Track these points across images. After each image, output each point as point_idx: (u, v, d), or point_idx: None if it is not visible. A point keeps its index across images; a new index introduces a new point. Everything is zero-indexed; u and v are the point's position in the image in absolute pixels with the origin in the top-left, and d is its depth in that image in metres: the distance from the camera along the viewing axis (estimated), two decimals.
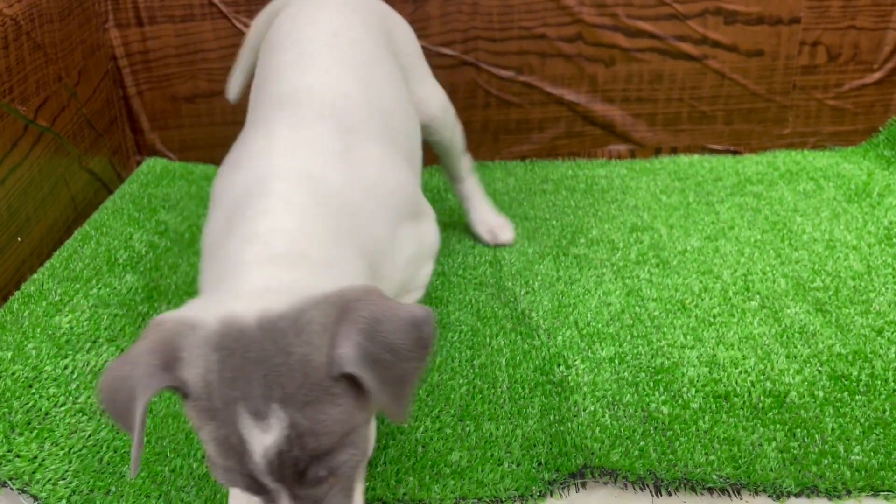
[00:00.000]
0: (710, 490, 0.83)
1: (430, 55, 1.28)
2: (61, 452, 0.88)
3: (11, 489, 0.84)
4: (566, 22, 1.58)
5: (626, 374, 0.98)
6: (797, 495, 0.82)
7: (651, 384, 0.96)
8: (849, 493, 0.82)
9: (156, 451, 0.89)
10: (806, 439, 0.87)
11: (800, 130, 1.68)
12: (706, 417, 0.91)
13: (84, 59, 1.46)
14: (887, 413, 0.91)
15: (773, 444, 0.87)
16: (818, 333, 1.05)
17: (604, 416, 0.91)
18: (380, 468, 0.85)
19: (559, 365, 1.01)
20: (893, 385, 0.95)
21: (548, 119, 1.66)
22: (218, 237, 0.74)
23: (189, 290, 1.19)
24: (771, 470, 0.84)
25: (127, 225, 1.35)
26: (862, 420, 0.90)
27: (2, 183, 1.17)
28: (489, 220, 1.34)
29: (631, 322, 1.09)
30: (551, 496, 0.84)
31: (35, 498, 0.83)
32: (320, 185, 0.75)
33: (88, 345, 1.04)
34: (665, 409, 0.92)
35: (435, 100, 1.18)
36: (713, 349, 1.02)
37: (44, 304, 1.09)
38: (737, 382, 0.96)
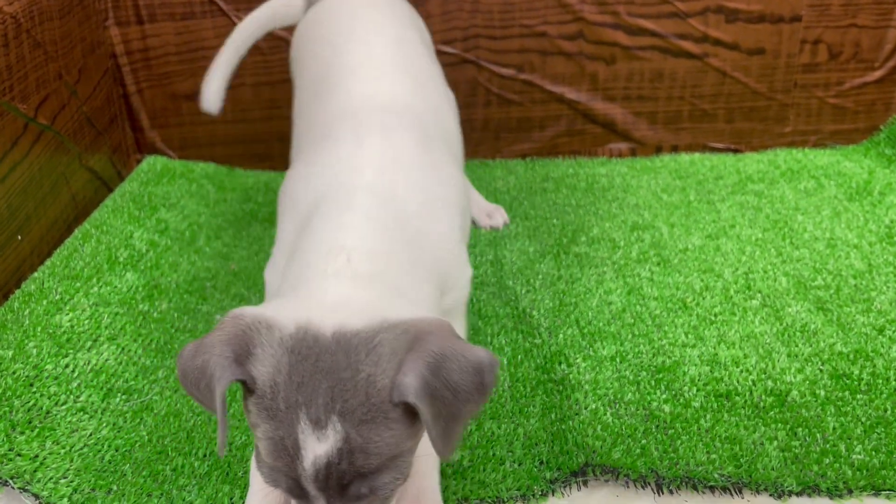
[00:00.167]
0: (712, 489, 0.83)
1: None
2: (62, 451, 0.88)
3: (12, 488, 0.83)
4: (567, 20, 1.58)
5: (627, 372, 0.98)
6: (798, 494, 0.82)
7: (652, 383, 0.96)
8: (850, 492, 0.82)
9: (157, 450, 0.89)
10: (807, 438, 0.87)
11: (801, 129, 1.68)
12: (707, 416, 0.91)
13: (84, 56, 1.46)
14: (889, 412, 0.91)
15: (775, 442, 0.87)
16: (819, 332, 1.05)
17: (605, 415, 0.91)
18: None
19: (560, 363, 1.00)
20: (895, 384, 0.95)
21: (548, 117, 1.66)
22: (295, 240, 0.77)
23: (189, 287, 1.19)
24: (772, 469, 0.83)
25: (127, 223, 1.34)
26: (863, 419, 0.90)
27: (2, 181, 1.17)
28: (483, 205, 1.39)
29: (632, 321, 1.09)
30: (553, 495, 0.84)
31: (36, 497, 0.83)
32: (401, 208, 0.78)
33: (89, 343, 1.03)
34: (666, 408, 0.92)
35: None
36: (714, 348, 1.02)
37: (44, 302, 1.09)
38: (738, 381, 0.96)
